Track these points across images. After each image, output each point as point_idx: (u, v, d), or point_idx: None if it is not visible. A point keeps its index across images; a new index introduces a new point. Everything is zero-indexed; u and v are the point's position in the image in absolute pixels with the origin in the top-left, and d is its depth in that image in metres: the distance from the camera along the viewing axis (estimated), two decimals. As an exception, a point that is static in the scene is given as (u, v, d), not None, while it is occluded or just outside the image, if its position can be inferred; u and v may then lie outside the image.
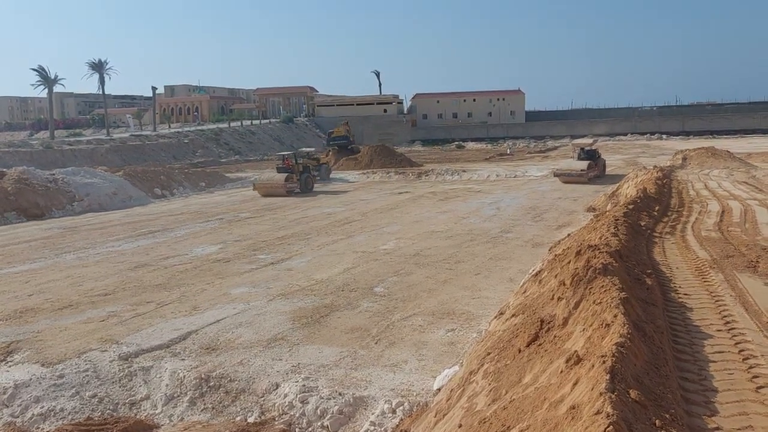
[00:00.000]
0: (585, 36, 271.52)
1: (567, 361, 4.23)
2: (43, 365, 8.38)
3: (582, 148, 32.93)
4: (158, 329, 9.73)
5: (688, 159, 36.56)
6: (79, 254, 16.32)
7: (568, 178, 29.90)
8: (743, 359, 4.98)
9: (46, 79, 68.13)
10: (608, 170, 37.42)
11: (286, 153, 34.27)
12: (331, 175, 39.26)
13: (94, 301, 11.51)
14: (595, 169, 30.55)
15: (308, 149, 40.90)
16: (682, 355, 5.13)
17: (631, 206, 13.46)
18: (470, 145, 77.45)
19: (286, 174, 30.19)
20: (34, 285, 12.96)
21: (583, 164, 29.99)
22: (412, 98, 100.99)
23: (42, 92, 72.43)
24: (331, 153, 48.74)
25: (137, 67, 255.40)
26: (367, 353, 8.51)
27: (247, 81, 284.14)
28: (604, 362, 3.78)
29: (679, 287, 7.47)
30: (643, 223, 12.10)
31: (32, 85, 70.18)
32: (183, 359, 8.48)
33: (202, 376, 7.92)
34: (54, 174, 28.05)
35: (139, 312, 10.71)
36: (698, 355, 5.14)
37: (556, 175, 30.91)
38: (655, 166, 27.41)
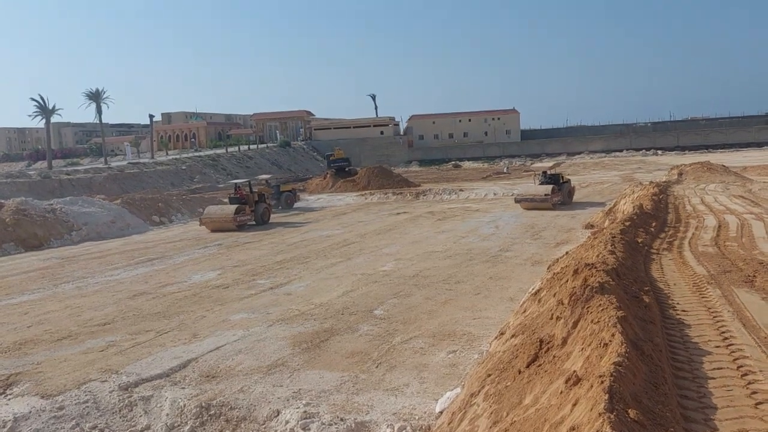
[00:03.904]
0: (577, 54, 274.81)
1: (566, 381, 4.24)
2: (42, 397, 8.34)
3: (544, 172, 30.74)
4: (158, 358, 9.69)
5: (684, 174, 36.83)
6: (77, 284, 16.30)
7: (530, 204, 27.46)
8: (742, 375, 4.99)
9: (44, 109, 68.61)
10: (602, 187, 37.36)
11: (239, 181, 31.23)
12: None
13: (93, 331, 11.47)
14: (559, 195, 27.95)
15: (266, 176, 38.02)
16: (680, 372, 5.14)
17: (627, 223, 13.53)
18: (467, 164, 78.00)
19: (237, 205, 27.05)
20: (33, 316, 12.92)
21: (547, 188, 27.55)
22: (409, 120, 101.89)
23: (40, 122, 72.84)
24: (329, 175, 49.19)
25: (134, 96, 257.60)
26: (368, 377, 8.48)
27: (244, 106, 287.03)
28: (602, 382, 3.80)
29: (677, 304, 7.49)
30: (640, 240, 12.15)
31: (30, 115, 70.59)
32: (183, 388, 8.44)
33: (203, 404, 7.88)
34: (52, 204, 28.08)
35: (139, 341, 10.67)
36: (697, 373, 5.15)
37: (517, 201, 28.31)
38: (651, 182, 27.57)
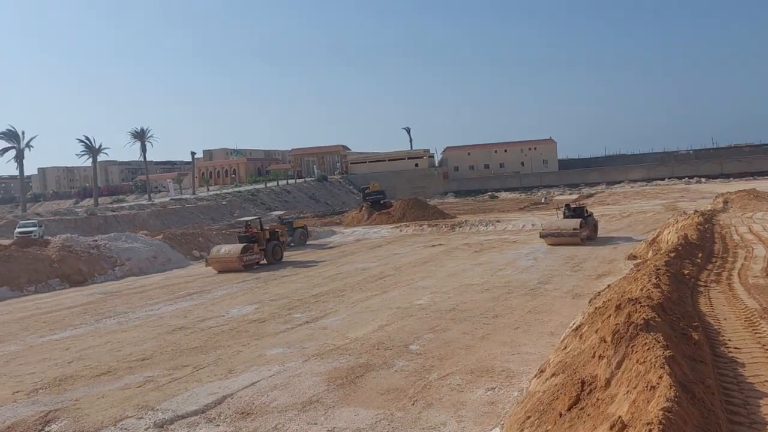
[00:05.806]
0: (614, 82, 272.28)
1: (611, 427, 4.01)
2: (80, 434, 8.38)
3: (567, 205, 29.04)
4: (194, 394, 9.68)
5: (729, 202, 35.69)
6: (118, 319, 16.57)
7: (557, 239, 25.66)
8: (804, 420, 4.65)
9: (90, 148, 71.35)
10: (644, 216, 36.44)
11: (249, 219, 29.88)
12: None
13: (131, 367, 11.57)
14: (587, 229, 26.25)
15: (278, 212, 35.86)
16: (736, 417, 4.82)
17: (672, 254, 13.08)
18: (504, 194, 77.49)
19: (245, 244, 25.67)
20: (74, 351, 13.14)
21: (575, 222, 25.74)
22: (443, 151, 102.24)
23: (87, 161, 75.72)
24: (364, 208, 49.53)
25: (177, 133, 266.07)
26: (404, 415, 8.27)
27: (283, 142, 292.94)
28: (650, 430, 3.57)
29: (729, 341, 7.11)
30: (686, 272, 11.70)
31: (77, 155, 73.76)
32: (218, 425, 8.38)
33: (237, 443, 7.78)
34: (96, 240, 28.87)
35: (176, 377, 10.70)
36: (754, 417, 4.82)
37: (542, 236, 26.46)
38: (695, 211, 26.77)
